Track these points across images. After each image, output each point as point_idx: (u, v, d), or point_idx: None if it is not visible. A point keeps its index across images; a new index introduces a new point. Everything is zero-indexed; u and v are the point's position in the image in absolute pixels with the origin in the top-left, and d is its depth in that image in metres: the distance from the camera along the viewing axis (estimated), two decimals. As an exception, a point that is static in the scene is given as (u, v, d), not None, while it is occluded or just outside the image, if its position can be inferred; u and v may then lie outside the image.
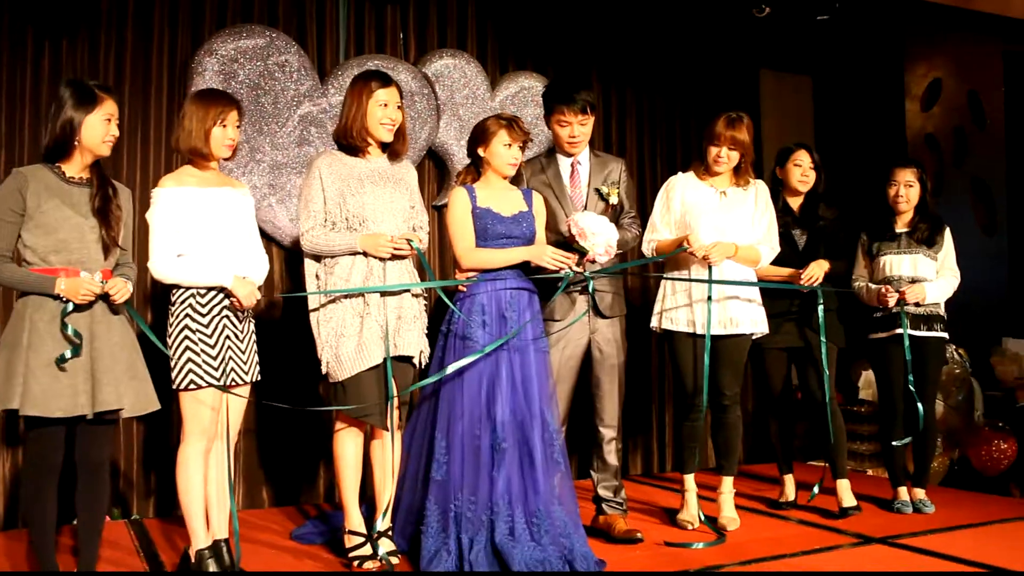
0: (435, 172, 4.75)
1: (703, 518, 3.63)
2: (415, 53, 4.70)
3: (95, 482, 2.69)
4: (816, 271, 3.77)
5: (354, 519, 3.16)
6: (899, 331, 3.90)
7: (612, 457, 3.54)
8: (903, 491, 4.02)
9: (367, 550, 3.10)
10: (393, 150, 3.22)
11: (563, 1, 5.01)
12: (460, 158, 4.64)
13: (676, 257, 3.64)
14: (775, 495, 4.18)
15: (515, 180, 3.46)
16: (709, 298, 3.51)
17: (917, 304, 3.90)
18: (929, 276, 3.94)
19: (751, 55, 5.58)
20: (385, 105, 3.10)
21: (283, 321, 4.26)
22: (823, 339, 3.78)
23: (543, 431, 3.13)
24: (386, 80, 3.14)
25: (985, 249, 5.51)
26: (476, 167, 3.36)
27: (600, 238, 3.19)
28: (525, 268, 3.30)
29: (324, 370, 3.10)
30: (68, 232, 2.59)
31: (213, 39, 4.14)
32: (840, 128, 5.66)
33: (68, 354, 2.53)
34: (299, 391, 4.29)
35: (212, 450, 2.93)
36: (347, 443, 3.16)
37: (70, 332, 2.54)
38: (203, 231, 2.85)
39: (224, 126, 2.88)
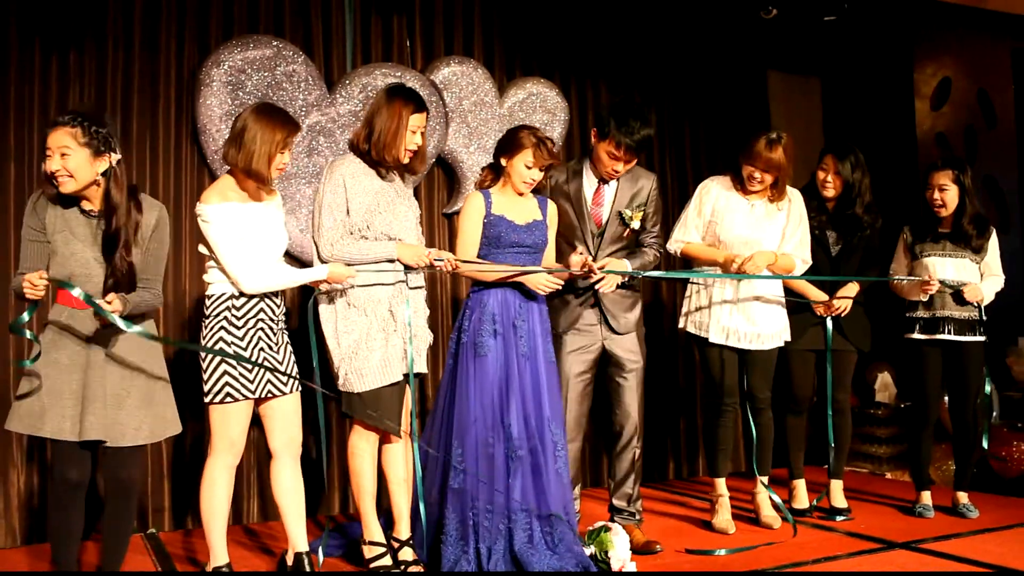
0: (444, 180, 4.73)
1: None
2: (422, 61, 4.68)
3: (120, 502, 2.64)
4: (844, 304, 3.83)
5: (373, 529, 3.11)
6: (941, 336, 3.86)
7: (628, 466, 3.50)
8: (927, 495, 3.98)
9: (387, 560, 3.07)
10: (410, 168, 3.19)
11: (568, 6, 4.99)
12: (469, 165, 4.61)
13: (704, 268, 3.69)
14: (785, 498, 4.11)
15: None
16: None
17: (962, 303, 3.83)
18: (973, 280, 3.88)
19: (759, 57, 5.56)
20: (414, 132, 3.07)
21: (298, 331, 4.21)
22: (829, 368, 3.86)
23: (552, 440, 3.13)
24: (422, 106, 3.09)
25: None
26: (496, 171, 3.32)
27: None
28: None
29: (340, 382, 3.06)
30: (75, 267, 2.53)
31: (220, 50, 4.12)
32: (850, 129, 5.62)
33: (28, 363, 2.49)
34: (308, 401, 4.26)
35: (285, 464, 2.91)
36: (362, 453, 3.12)
37: (28, 336, 2.52)
38: (255, 244, 2.82)
39: (284, 151, 2.82)
